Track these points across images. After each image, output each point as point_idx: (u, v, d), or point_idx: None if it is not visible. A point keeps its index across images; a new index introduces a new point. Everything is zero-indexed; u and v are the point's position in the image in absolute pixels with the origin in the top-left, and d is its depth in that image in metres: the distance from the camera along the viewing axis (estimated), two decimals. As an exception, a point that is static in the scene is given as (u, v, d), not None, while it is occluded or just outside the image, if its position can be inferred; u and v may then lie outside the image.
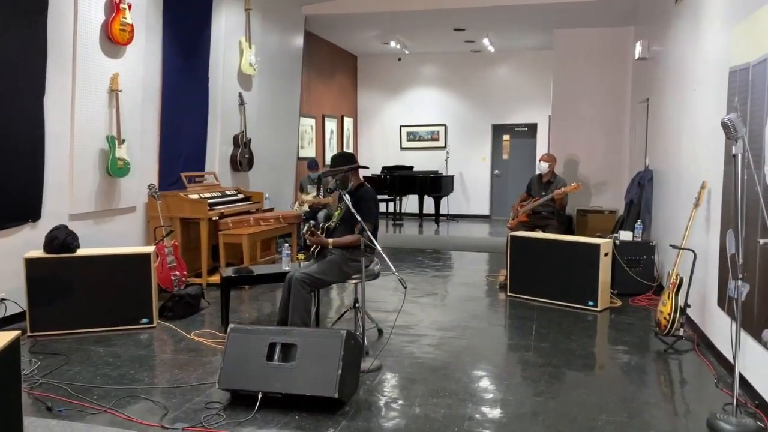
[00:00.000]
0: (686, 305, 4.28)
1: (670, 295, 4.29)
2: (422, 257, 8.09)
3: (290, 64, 9.12)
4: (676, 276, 4.29)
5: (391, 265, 3.58)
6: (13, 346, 2.52)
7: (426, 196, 11.69)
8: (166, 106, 6.25)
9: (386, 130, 12.92)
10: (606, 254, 5.30)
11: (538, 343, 4.39)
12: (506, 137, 12.71)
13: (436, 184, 11.59)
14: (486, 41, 10.75)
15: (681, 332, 4.30)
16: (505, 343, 4.43)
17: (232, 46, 7.36)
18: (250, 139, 7.72)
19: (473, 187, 12.75)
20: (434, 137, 12.74)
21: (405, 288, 3.56)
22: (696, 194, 4.33)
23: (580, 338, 4.58)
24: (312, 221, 4.36)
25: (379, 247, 3.66)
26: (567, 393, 3.53)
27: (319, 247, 4.16)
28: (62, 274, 4.55)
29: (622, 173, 9.43)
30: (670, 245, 4.44)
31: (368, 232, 3.77)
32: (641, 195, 6.53)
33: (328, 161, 11.12)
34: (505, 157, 12.77)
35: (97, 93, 5.28)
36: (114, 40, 5.35)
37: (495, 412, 3.24)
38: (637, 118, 8.11)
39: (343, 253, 4.12)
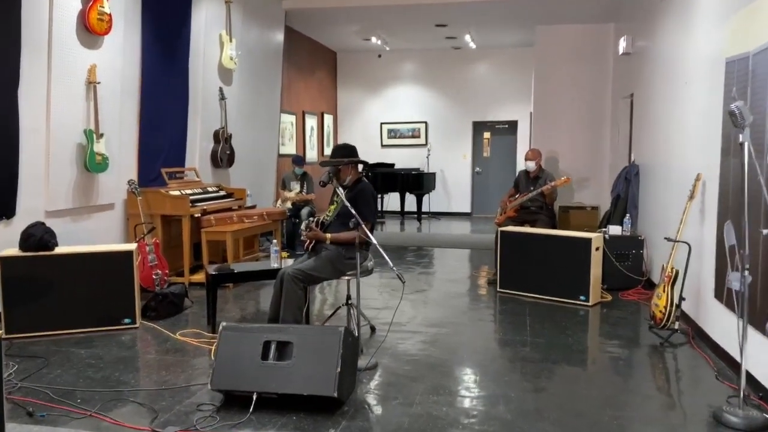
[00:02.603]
0: (681, 298, 4.25)
1: (666, 289, 4.26)
2: (406, 254, 8.00)
3: (271, 60, 8.95)
4: (672, 269, 4.26)
5: (390, 261, 3.47)
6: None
7: (408, 194, 11.61)
8: (145, 100, 6.05)
9: (367, 127, 12.80)
10: (597, 248, 5.27)
11: (534, 339, 4.33)
12: (487, 134, 12.70)
13: (417, 182, 11.51)
14: (468, 37, 10.71)
15: (676, 325, 4.28)
16: (500, 339, 4.36)
17: (212, 39, 7.17)
18: (231, 135, 7.54)
19: (454, 185, 12.71)
20: (415, 134, 12.66)
21: (403, 283, 3.47)
22: (690, 187, 4.31)
23: (575, 333, 4.53)
24: (311, 218, 4.20)
25: (376, 243, 3.54)
26: (569, 388, 3.46)
27: (313, 243, 4.02)
28: (39, 273, 4.34)
29: (603, 169, 9.47)
30: (665, 238, 4.42)
31: (365, 228, 3.65)
32: (628, 189, 6.53)
33: (309, 159, 10.97)
34: (485, 154, 12.75)
35: (73, 85, 5.07)
36: (91, 29, 5.14)
37: (498, 410, 3.15)
38: (620, 113, 8.13)
39: (338, 249, 4.00)
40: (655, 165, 5.95)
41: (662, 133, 5.68)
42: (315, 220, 4.10)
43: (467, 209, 12.75)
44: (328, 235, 3.98)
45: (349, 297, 4.29)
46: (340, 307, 4.37)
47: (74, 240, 4.92)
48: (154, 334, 4.47)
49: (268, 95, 8.92)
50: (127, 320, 4.57)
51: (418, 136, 12.65)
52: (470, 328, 4.69)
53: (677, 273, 4.23)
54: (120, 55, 5.59)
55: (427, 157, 12.33)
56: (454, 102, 12.57)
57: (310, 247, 4.07)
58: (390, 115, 12.77)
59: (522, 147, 12.31)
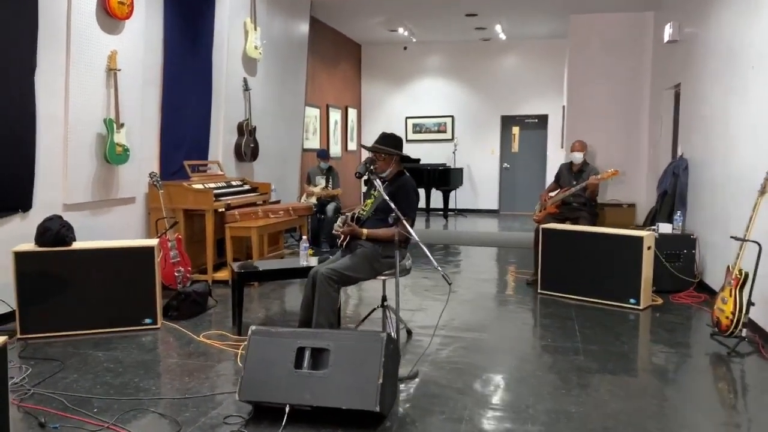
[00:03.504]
0: (750, 303, 3.87)
1: (733, 293, 3.87)
2: (433, 253, 7.64)
3: (295, 51, 8.66)
4: (740, 271, 3.87)
5: (434, 261, 3.15)
6: (-1, 354, 2.07)
7: (434, 190, 11.25)
8: (167, 89, 5.79)
9: (391, 122, 12.45)
10: (649, 248, 4.88)
11: (587, 346, 3.97)
12: (515, 129, 12.29)
13: (444, 178, 11.15)
14: (498, 28, 10.32)
15: (743, 333, 3.90)
16: (550, 345, 4.00)
17: (236, 27, 6.90)
18: (255, 128, 7.27)
19: (481, 181, 12.33)
20: (441, 129, 12.30)
21: (450, 284, 3.13)
22: (761, 181, 3.90)
23: (629, 340, 4.17)
24: (345, 212, 3.87)
25: (418, 239, 3.22)
26: (635, 404, 3.10)
27: (347, 239, 3.70)
28: (56, 270, 4.08)
29: (640, 165, 9.04)
30: (732, 237, 4.03)
31: (406, 225, 3.34)
32: (676, 185, 6.12)
33: (333, 153, 10.68)
34: (514, 149, 12.35)
35: (93, 71, 4.81)
36: (112, 13, 4.88)
37: (560, 428, 2.81)
38: (662, 105, 7.70)
39: (375, 247, 3.67)
40: (709, 159, 5.53)
41: (720, 125, 5.27)
42: (351, 215, 3.77)
43: (495, 206, 12.37)
44: (365, 231, 3.65)
45: (384, 298, 3.97)
46: (375, 309, 4.05)
47: (93, 235, 4.68)
48: (176, 336, 4.20)
49: (292, 87, 8.64)
50: (147, 320, 4.31)
51: (445, 131, 12.29)
52: (514, 333, 4.35)
53: (746, 275, 3.85)
54: (142, 42, 5.33)
55: (454, 153, 11.98)
56: (481, 95, 12.19)
57: (344, 243, 3.74)
58: (415, 109, 12.43)
59: (552, 142, 11.91)
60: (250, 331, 3.00)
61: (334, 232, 3.73)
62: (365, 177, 3.67)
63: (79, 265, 4.14)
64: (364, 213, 3.76)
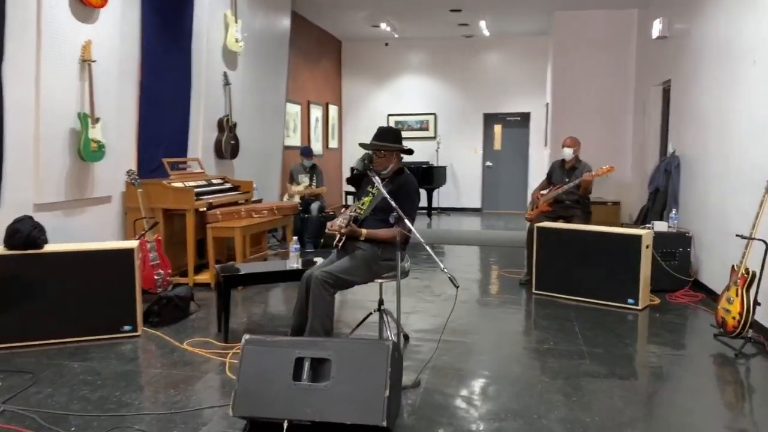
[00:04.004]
0: (756, 303, 3.76)
1: (739, 292, 3.77)
2: (421, 252, 7.46)
3: (277, 46, 8.40)
4: (746, 270, 3.77)
5: (439, 262, 2.96)
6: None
7: (417, 188, 11.06)
8: (145, 82, 5.49)
9: (373, 119, 12.20)
10: (647, 246, 4.77)
11: (591, 349, 3.83)
12: (498, 127, 12.18)
13: (427, 176, 10.98)
14: (482, 24, 10.19)
15: (750, 334, 3.79)
16: (553, 349, 3.84)
17: (216, 18, 6.62)
18: (235, 124, 7.00)
19: (464, 179, 12.20)
20: (424, 127, 12.13)
21: (457, 287, 2.94)
22: (767, 178, 3.80)
23: (633, 342, 4.04)
24: (350, 214, 3.63)
25: (423, 241, 3.03)
26: (652, 411, 2.96)
27: (343, 240, 3.48)
28: (27, 274, 3.79)
29: (625, 162, 9.00)
30: (737, 235, 3.92)
31: (409, 225, 3.15)
32: (668, 183, 6.04)
33: (316, 151, 10.44)
34: (497, 147, 12.25)
35: (66, 62, 4.51)
36: (86, 1, 4.59)
37: (576, 439, 2.65)
38: (650, 102, 7.63)
39: (374, 248, 3.47)
40: (704, 156, 5.45)
41: (715, 121, 5.19)
42: (353, 215, 3.54)
43: (477, 205, 12.25)
44: (364, 231, 3.44)
45: (381, 302, 3.77)
46: (371, 313, 3.85)
47: (66, 236, 4.38)
48: (158, 344, 3.94)
49: (274, 83, 8.38)
50: (127, 327, 4.04)
51: (427, 129, 12.12)
52: (514, 336, 4.19)
53: (753, 274, 3.74)
54: (117, 32, 5.04)
55: (437, 151, 11.83)
56: (464, 93, 12.05)
57: (340, 245, 3.52)
58: (397, 106, 12.24)
59: (535, 140, 11.84)
60: (243, 341, 2.77)
61: (330, 230, 3.51)
62: (369, 174, 3.45)
63: (51, 269, 3.85)
64: (362, 212, 3.53)
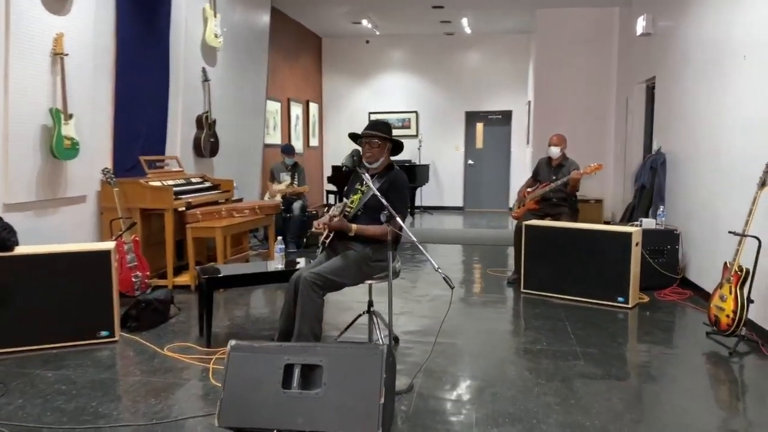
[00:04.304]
0: (749, 300, 3.72)
1: (732, 290, 3.72)
2: (405, 251, 7.35)
3: (257, 41, 8.22)
4: (740, 267, 3.72)
5: (433, 262, 2.85)
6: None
7: (399, 187, 10.95)
8: (121, 77, 5.29)
9: (354, 117, 12.10)
10: (637, 244, 4.72)
11: (585, 349, 3.75)
12: (480, 125, 12.13)
13: (410, 175, 10.84)
14: (464, 21, 10.12)
15: (743, 332, 3.75)
16: (546, 350, 3.75)
17: (194, 12, 6.44)
18: (214, 121, 6.82)
19: (446, 178, 12.12)
20: (405, 125, 12.03)
21: (452, 288, 2.83)
22: (761, 174, 3.75)
23: (626, 341, 3.98)
24: (337, 206, 3.49)
25: (416, 240, 2.92)
26: (653, 414, 2.88)
27: (330, 238, 3.34)
28: (-4, 279, 3.60)
29: (607, 160, 8.98)
30: (730, 232, 3.88)
31: (401, 223, 3.03)
32: (654, 180, 6.02)
33: (297, 149, 10.27)
34: (479, 146, 12.19)
35: (37, 55, 4.30)
36: (58, -9, 4.39)
37: (577, 444, 2.56)
38: (634, 99, 7.62)
39: (364, 249, 3.34)
40: (691, 152, 5.43)
41: (703, 118, 5.16)
42: (342, 208, 3.40)
43: (459, 203, 12.19)
44: (354, 226, 3.30)
45: (371, 303, 3.65)
46: (360, 314, 3.72)
47: (39, 238, 4.18)
48: (137, 350, 3.77)
49: (253, 79, 8.20)
50: (104, 333, 3.86)
51: (409, 127, 12.02)
52: (506, 337, 4.09)
53: (747, 272, 3.70)
54: (91, 24, 4.84)
55: (419, 149, 11.73)
56: (445, 91, 11.98)
57: (327, 243, 3.37)
58: (379, 104, 12.11)
59: (517, 138, 11.81)
60: (229, 347, 2.63)
61: (317, 228, 3.37)
62: (359, 171, 3.33)
63: (23, 272, 3.66)
64: (351, 210, 3.40)
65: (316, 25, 11.11)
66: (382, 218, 3.02)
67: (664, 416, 2.84)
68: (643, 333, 4.17)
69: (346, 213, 3.37)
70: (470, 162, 12.17)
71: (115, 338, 3.88)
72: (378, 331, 3.57)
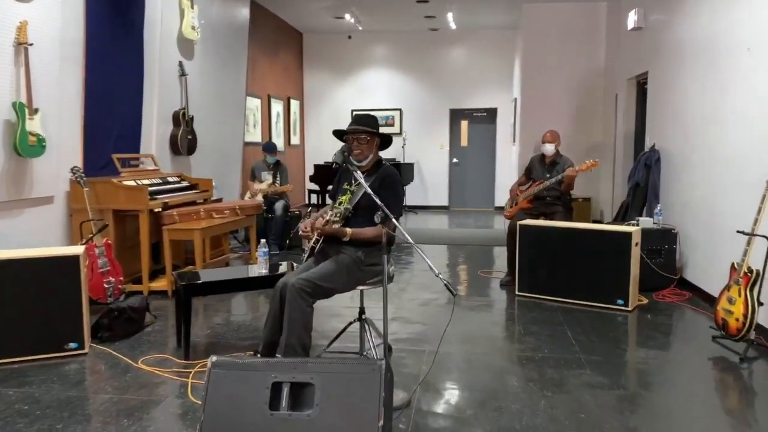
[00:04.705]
0: (758, 303, 3.55)
1: (742, 292, 3.55)
2: (392, 252, 7.13)
3: (236, 36, 7.93)
4: (749, 269, 3.55)
5: (433, 267, 2.61)
6: None
7: (383, 186, 10.70)
8: (91, 70, 4.97)
9: (336, 115, 11.84)
10: (637, 244, 4.54)
11: (588, 356, 3.55)
12: (464, 123, 11.94)
13: (394, 173, 10.62)
14: (449, 16, 9.91)
15: (752, 336, 3.58)
16: (549, 357, 3.54)
17: (171, 3, 6.12)
18: (192, 118, 6.51)
19: (431, 177, 11.92)
20: (389, 123, 11.79)
21: (455, 296, 2.59)
22: (769, 170, 3.60)
23: (630, 347, 3.79)
24: (328, 210, 3.22)
25: (413, 242, 2.68)
26: (672, 430, 2.68)
27: (320, 242, 3.09)
28: (-49, 288, 3.29)
29: (595, 157, 8.79)
30: (739, 231, 3.71)
31: (397, 224, 2.79)
32: (648, 177, 5.86)
33: (281, 147, 9.99)
34: (463, 144, 12.00)
35: (-2, 45, 3.99)
36: (21, -24, 4.07)
37: (593, 465, 2.34)
38: (624, 96, 7.47)
39: (356, 252, 3.09)
40: (687, 149, 5.27)
41: (698, 114, 5.00)
42: (333, 212, 3.14)
43: (445, 203, 11.99)
44: (349, 230, 3.06)
45: (362, 310, 3.40)
46: (351, 322, 3.47)
47: (2, 243, 3.87)
48: (108, 363, 3.48)
49: (233, 75, 7.90)
50: (72, 345, 3.56)
51: (393, 125, 11.78)
52: (505, 344, 3.87)
53: (757, 273, 3.53)
54: (58, 12, 4.52)
55: (403, 147, 11.50)
56: (429, 88, 11.76)
57: (316, 248, 3.12)
58: (362, 101, 11.85)
59: (501, 136, 11.65)
60: (210, 364, 2.36)
61: (303, 232, 3.11)
62: (350, 168, 3.08)
63: (-18, 280, 3.35)
64: (340, 213, 3.13)
65: (297, 20, 10.82)
66: (377, 219, 2.78)
67: (683, 430, 2.64)
68: (646, 338, 3.98)
69: (336, 214, 3.09)
70: (455, 160, 11.97)
71: (85, 350, 3.59)
72: (370, 341, 3.32)
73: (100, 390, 3.12)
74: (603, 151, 8.73)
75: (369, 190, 2.88)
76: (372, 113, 3.38)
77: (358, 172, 3.01)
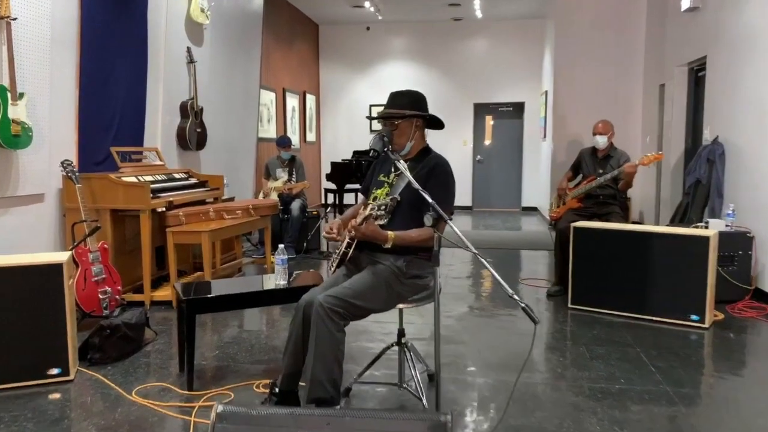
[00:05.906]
0: None
1: None
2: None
3: (248, 22, 7.36)
4: None
5: (508, 288, 2.00)
6: None
7: (404, 185, 10.11)
8: (87, 53, 4.42)
9: (353, 109, 11.27)
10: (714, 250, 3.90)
11: (677, 389, 2.91)
12: (489, 118, 11.31)
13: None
14: (476, 4, 9.28)
15: None
16: (629, 390, 2.91)
17: (177, -18, 5.57)
18: (201, 109, 5.95)
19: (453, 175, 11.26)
20: (409, 118, 11.15)
21: (536, 324, 1.97)
22: None
23: (723, 375, 3.15)
24: (376, 206, 2.54)
25: (475, 250, 2.07)
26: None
27: (353, 247, 2.48)
28: None
29: (634, 152, 8.15)
30: None
31: (451, 224, 2.19)
32: (711, 174, 5.21)
33: (296, 144, 9.42)
34: (488, 141, 11.37)
35: (-26, 18, 3.44)
36: (1, -62, 3.51)
37: None
38: (674, 84, 6.80)
39: (396, 260, 2.48)
40: (758, 143, 4.61)
41: (781, 99, 4.35)
42: (376, 208, 2.46)
43: (468, 202, 11.37)
44: (391, 233, 2.43)
45: (402, 333, 2.80)
46: (389, 346, 2.86)
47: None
48: (97, 393, 2.90)
49: (245, 65, 7.33)
50: (55, 371, 2.99)
51: (413, 120, 11.15)
52: (572, 372, 3.20)
53: None
54: (48, -15, 3.97)
55: (424, 144, 10.86)
56: (452, 81, 11.15)
57: (348, 257, 2.52)
58: (380, 95, 11.22)
59: (529, 131, 11.00)
60: (213, 415, 1.77)
61: (329, 233, 2.50)
62: (391, 156, 2.48)
63: (-55, 293, 2.80)
64: (383, 210, 2.49)
65: (313, 11, 10.25)
66: (427, 220, 2.19)
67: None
68: (738, 363, 3.34)
69: (371, 212, 2.44)
70: (479, 158, 11.34)
71: (70, 377, 3.02)
72: (412, 369, 2.71)
73: (84, 429, 2.53)
74: (643, 146, 8.06)
75: (415, 183, 2.28)
76: (412, 90, 2.73)
77: (401, 162, 2.40)
